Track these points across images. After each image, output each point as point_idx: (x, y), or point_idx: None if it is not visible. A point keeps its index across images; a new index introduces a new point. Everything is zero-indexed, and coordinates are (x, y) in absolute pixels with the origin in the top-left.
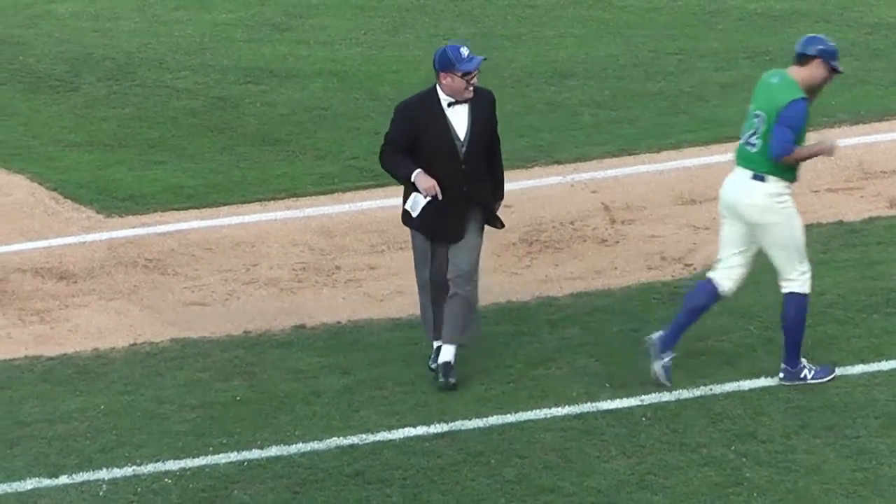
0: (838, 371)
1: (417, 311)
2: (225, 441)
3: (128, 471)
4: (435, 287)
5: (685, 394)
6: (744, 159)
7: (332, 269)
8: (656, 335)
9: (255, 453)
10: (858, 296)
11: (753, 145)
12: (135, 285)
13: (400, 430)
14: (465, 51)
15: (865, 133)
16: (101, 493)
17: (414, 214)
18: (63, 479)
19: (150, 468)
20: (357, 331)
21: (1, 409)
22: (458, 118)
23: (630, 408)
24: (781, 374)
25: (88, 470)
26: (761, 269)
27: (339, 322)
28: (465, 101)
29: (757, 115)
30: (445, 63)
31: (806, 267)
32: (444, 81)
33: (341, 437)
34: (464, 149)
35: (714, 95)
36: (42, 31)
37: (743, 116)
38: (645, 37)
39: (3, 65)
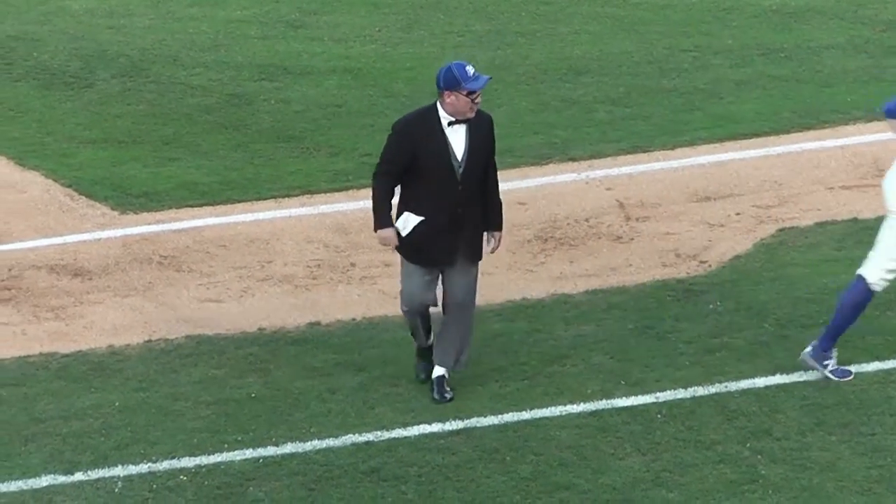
0: (853, 368)
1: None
2: (240, 438)
3: (143, 468)
4: (422, 310)
5: (700, 391)
6: None
7: (346, 266)
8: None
9: (271, 450)
10: None
11: None
12: (149, 282)
13: (415, 427)
14: (470, 69)
15: (880, 130)
16: (116, 490)
17: (404, 234)
18: (78, 476)
19: (165, 465)
20: (372, 328)
21: (16, 406)
22: (457, 138)
23: (645, 405)
24: (809, 349)
25: (103, 467)
26: (779, 266)
27: (353, 319)
28: (465, 121)
29: None
30: (451, 81)
31: (893, 272)
32: (447, 100)
33: (356, 434)
34: (461, 169)
35: (729, 92)
36: (56, 27)
37: (758, 113)
38: (660, 34)
39: (17, 61)
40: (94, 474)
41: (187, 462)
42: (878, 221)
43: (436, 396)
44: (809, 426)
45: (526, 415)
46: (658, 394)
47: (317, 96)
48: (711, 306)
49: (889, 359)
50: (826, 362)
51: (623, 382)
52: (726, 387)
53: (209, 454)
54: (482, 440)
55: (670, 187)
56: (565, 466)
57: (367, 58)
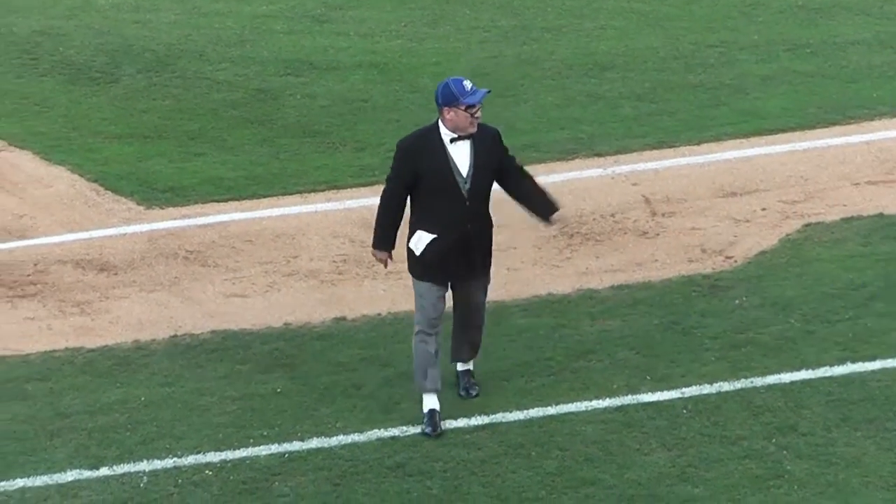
0: (878, 364)
1: None
2: (265, 433)
3: (168, 462)
4: (432, 328)
5: (726, 386)
6: None
7: (372, 261)
8: None
9: (296, 445)
10: None
11: None
12: (175, 277)
13: (441, 423)
14: (468, 84)
15: None
16: (141, 485)
17: (417, 252)
18: (104, 471)
19: (190, 460)
20: (397, 323)
21: (42, 401)
22: (461, 154)
23: (671, 400)
24: None
25: (129, 462)
26: (804, 261)
27: (379, 314)
28: (468, 137)
29: None
30: (448, 97)
31: None
32: (447, 116)
33: (382, 430)
34: (467, 185)
35: (754, 88)
36: (82, 22)
37: (783, 108)
38: (685, 29)
39: (43, 56)
40: (120, 469)
41: (212, 457)
42: None
43: (461, 392)
44: (835, 422)
45: (551, 410)
46: (683, 389)
47: (342, 91)
48: (737, 302)
49: None
50: None
51: (648, 378)
52: (752, 382)
53: (234, 449)
54: (507, 435)
55: (696, 183)
56: (591, 462)
57: (392, 53)
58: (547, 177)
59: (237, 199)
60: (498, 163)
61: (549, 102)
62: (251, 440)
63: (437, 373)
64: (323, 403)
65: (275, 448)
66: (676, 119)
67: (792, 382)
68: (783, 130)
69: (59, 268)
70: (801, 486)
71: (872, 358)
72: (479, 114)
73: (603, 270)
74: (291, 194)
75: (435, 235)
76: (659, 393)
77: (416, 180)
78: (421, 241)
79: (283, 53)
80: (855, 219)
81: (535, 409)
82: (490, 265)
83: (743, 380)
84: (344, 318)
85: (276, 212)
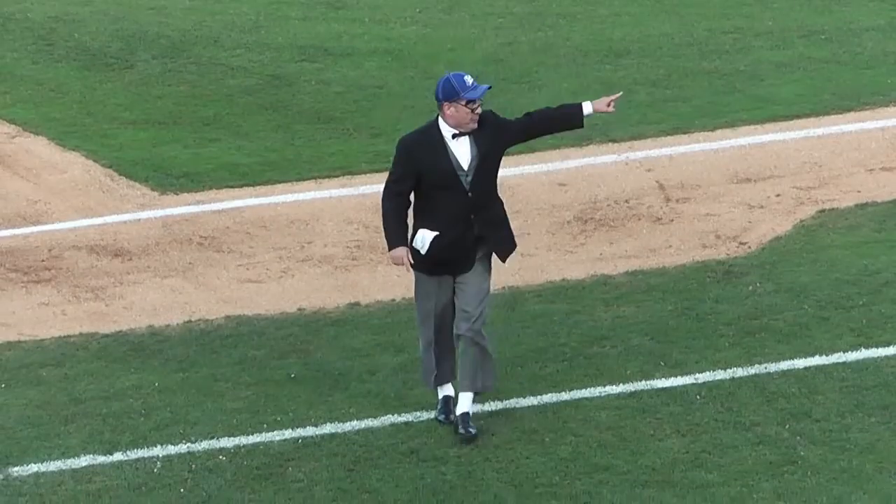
0: (892, 350)
1: None
2: (279, 418)
3: (182, 448)
4: (438, 332)
5: (739, 372)
6: None
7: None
8: None
9: (310, 431)
10: None
11: None
12: (190, 262)
13: (455, 410)
14: (469, 79)
15: None
16: (155, 471)
17: (423, 251)
18: (118, 456)
19: (204, 445)
20: (411, 308)
21: (56, 386)
22: (462, 148)
23: (684, 386)
24: None
25: (143, 447)
26: (819, 248)
27: (393, 300)
28: (469, 132)
29: None
30: (449, 92)
31: None
32: (447, 112)
33: (396, 415)
34: (469, 178)
35: (769, 74)
36: (97, 8)
37: (798, 95)
38: (700, 15)
39: (58, 42)
40: (134, 454)
41: (226, 442)
42: None
43: (461, 431)
44: (849, 408)
45: (565, 396)
46: (697, 375)
47: (357, 77)
48: (751, 288)
49: None
50: None
51: (663, 364)
52: (766, 368)
53: (248, 434)
54: (521, 421)
55: (710, 169)
56: (604, 447)
57: (407, 39)
58: (562, 163)
59: (252, 185)
60: (504, 141)
61: (563, 89)
62: (265, 426)
63: (448, 366)
64: (337, 389)
65: (289, 433)
66: (691, 105)
67: (806, 368)
68: (798, 117)
69: (73, 253)
70: (814, 471)
71: (887, 344)
72: (479, 109)
73: (617, 256)
74: (306, 180)
75: (438, 232)
76: (673, 379)
77: (418, 178)
78: (424, 239)
79: (298, 40)
80: (869, 205)
81: (549, 394)
82: (511, 243)
83: (757, 366)
84: (358, 304)
85: (290, 198)
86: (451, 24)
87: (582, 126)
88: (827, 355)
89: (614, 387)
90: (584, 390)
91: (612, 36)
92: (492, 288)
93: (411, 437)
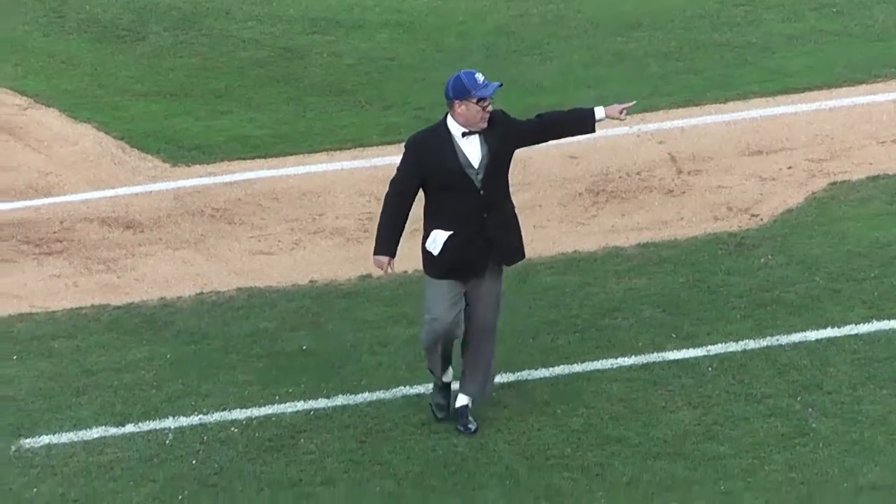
0: None
1: None
2: (291, 390)
3: (194, 420)
4: (446, 339)
5: (751, 344)
6: None
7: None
8: None
9: (322, 403)
10: None
11: None
12: (201, 234)
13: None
14: (480, 77)
15: None
16: (167, 442)
17: (435, 252)
18: (129, 428)
19: (216, 417)
20: (422, 280)
21: (68, 358)
22: (471, 147)
23: (696, 358)
24: None
25: (155, 419)
26: (830, 220)
27: (405, 272)
28: (479, 131)
29: None
30: (460, 90)
31: None
32: (458, 110)
33: (408, 387)
34: (479, 176)
35: (780, 47)
36: None
37: (809, 67)
38: None
39: (69, 14)
40: (146, 426)
41: (238, 414)
42: None
43: (460, 427)
44: (860, 380)
45: (577, 368)
46: (709, 347)
47: (369, 50)
48: (763, 260)
49: None
50: None
51: (674, 336)
52: (777, 340)
53: (260, 406)
54: (533, 393)
55: (722, 141)
56: (616, 419)
57: (418, 11)
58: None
59: (263, 157)
60: (514, 142)
61: (575, 61)
62: (277, 398)
63: (445, 362)
64: (349, 361)
65: (300, 405)
66: (703, 78)
67: (817, 340)
68: (809, 89)
69: (85, 225)
70: (826, 443)
71: (894, 316)
72: (490, 107)
73: (629, 228)
74: (317, 152)
75: (451, 232)
76: (684, 351)
77: (425, 180)
78: (437, 240)
79: (309, 12)
80: (881, 177)
81: (561, 366)
82: (521, 250)
83: (768, 338)
84: (369, 276)
85: (302, 170)
86: None
87: (593, 132)
88: (839, 327)
89: (626, 359)
90: (595, 362)
91: (624, 8)
92: None
93: (423, 410)
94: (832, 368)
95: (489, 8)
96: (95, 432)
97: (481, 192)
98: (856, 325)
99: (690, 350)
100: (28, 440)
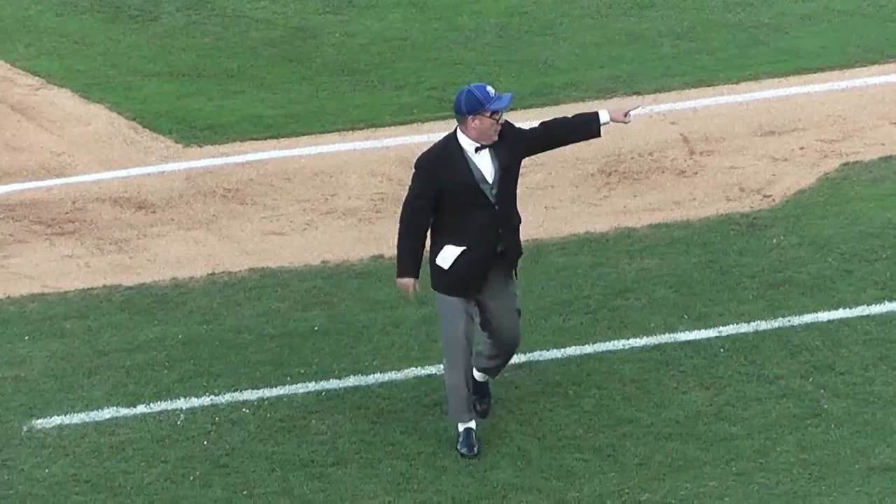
0: None
1: None
2: (303, 371)
3: (206, 400)
4: (469, 354)
5: (763, 325)
6: None
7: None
8: None
9: (334, 383)
10: None
11: None
12: (213, 215)
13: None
14: (491, 89)
15: None
16: (178, 423)
17: (446, 266)
18: (141, 409)
19: (227, 398)
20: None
21: (80, 339)
22: (484, 161)
23: (708, 339)
24: None
25: (166, 399)
26: (842, 200)
27: None
28: (490, 144)
29: None
30: (473, 104)
31: None
32: (472, 124)
33: (419, 368)
34: (494, 190)
35: (793, 27)
36: None
37: (822, 47)
38: None
39: None
40: (157, 407)
41: (250, 395)
42: None
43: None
44: (873, 361)
45: (589, 349)
46: (721, 328)
47: (381, 29)
48: (775, 241)
49: None
50: None
51: (686, 316)
52: (789, 321)
53: (272, 387)
54: (545, 374)
55: (735, 121)
56: (628, 400)
57: None
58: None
59: (276, 138)
60: (522, 152)
61: (588, 41)
62: (289, 378)
63: (470, 399)
64: (360, 341)
65: (312, 386)
66: (715, 58)
67: (829, 321)
68: (822, 69)
69: (97, 206)
70: (838, 424)
71: None
72: (502, 119)
73: (641, 209)
74: (330, 132)
75: (465, 247)
76: (696, 332)
77: (439, 197)
78: (449, 255)
79: None
80: (893, 158)
81: (573, 347)
82: (516, 264)
83: (780, 319)
84: (382, 256)
85: (314, 150)
86: None
87: (599, 136)
88: (851, 308)
89: (638, 339)
90: (607, 343)
91: None
92: None
93: (434, 390)
94: (844, 349)
95: None
96: (107, 413)
97: (496, 206)
98: (868, 305)
99: (702, 331)
100: (40, 420)
